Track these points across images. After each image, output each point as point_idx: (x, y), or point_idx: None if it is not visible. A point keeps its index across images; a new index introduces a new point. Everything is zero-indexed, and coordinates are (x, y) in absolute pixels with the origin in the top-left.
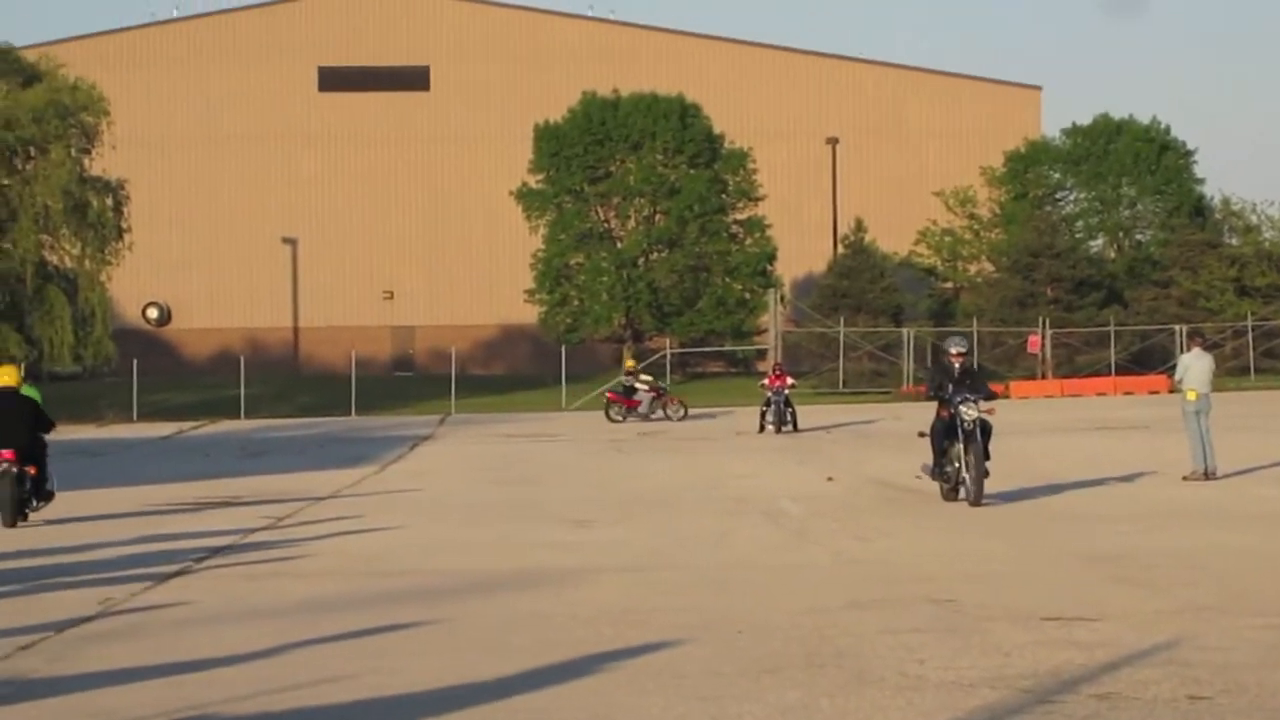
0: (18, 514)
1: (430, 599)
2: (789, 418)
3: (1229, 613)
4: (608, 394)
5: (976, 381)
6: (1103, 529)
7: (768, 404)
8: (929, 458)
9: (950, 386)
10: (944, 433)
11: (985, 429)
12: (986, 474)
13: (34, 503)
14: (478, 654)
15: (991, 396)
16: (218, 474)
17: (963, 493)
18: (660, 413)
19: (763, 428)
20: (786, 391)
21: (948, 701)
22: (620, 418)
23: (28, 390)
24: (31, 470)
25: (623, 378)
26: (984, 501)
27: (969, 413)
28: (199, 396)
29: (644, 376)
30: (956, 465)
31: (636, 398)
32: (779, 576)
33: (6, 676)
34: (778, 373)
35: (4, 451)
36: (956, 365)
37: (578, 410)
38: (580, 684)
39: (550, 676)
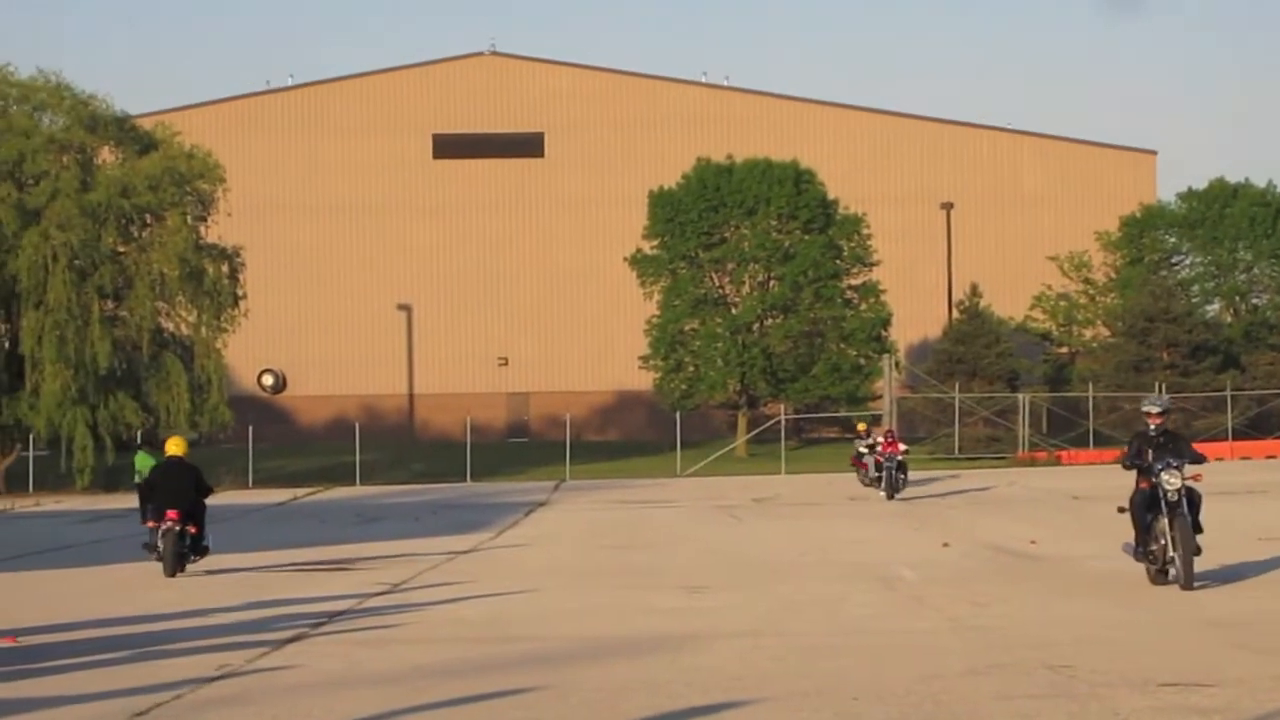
0: (178, 566)
1: (543, 665)
2: (901, 483)
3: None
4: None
5: (1179, 445)
6: (1221, 593)
7: (879, 469)
8: (1130, 534)
9: (1150, 453)
10: (1146, 506)
11: (1193, 499)
12: (1198, 551)
13: (192, 557)
14: (592, 719)
15: (1198, 460)
16: (333, 540)
17: (1172, 573)
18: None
19: (871, 483)
20: (900, 457)
21: None
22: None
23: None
24: (192, 529)
25: (859, 442)
26: (1197, 584)
27: (1172, 481)
28: (314, 463)
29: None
30: (1163, 542)
31: (866, 460)
32: (894, 642)
33: None
34: (889, 439)
35: (170, 512)
36: (1154, 428)
37: (692, 476)
38: None
39: None
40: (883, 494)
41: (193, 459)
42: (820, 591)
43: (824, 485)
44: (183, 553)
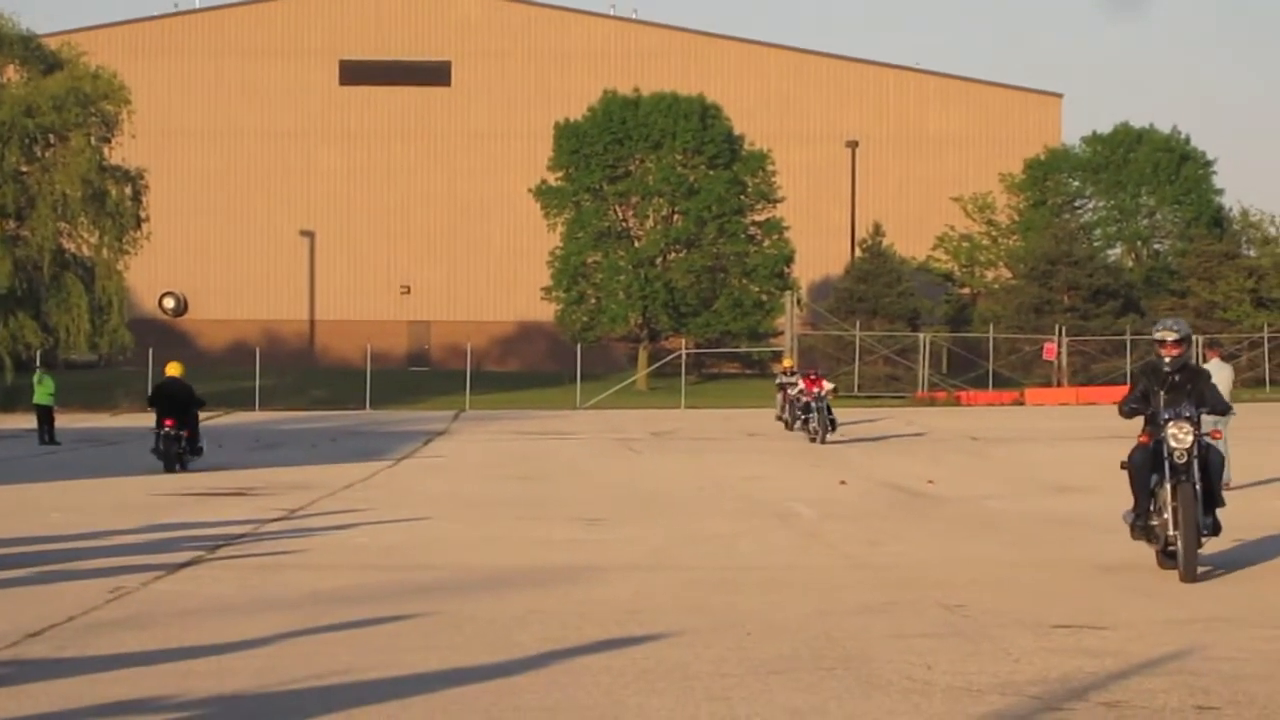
0: (175, 464)
1: (439, 594)
2: (830, 424)
3: (1239, 624)
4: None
5: (1199, 386)
6: (1115, 538)
7: (806, 409)
8: (1129, 500)
9: (1160, 396)
10: (1149, 466)
11: (1209, 464)
12: (1211, 528)
13: (189, 456)
14: (485, 650)
15: (1222, 409)
16: (231, 465)
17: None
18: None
19: (790, 426)
20: (828, 397)
21: (955, 707)
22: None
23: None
24: (185, 434)
25: (782, 377)
26: (1201, 574)
27: (1180, 437)
28: (214, 387)
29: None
30: (1166, 516)
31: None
32: (789, 578)
33: (11, 659)
34: (813, 377)
35: (168, 420)
36: (1168, 361)
37: (592, 408)
38: (588, 682)
39: (558, 674)
40: (811, 437)
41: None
42: (716, 526)
43: (723, 420)
44: (179, 453)
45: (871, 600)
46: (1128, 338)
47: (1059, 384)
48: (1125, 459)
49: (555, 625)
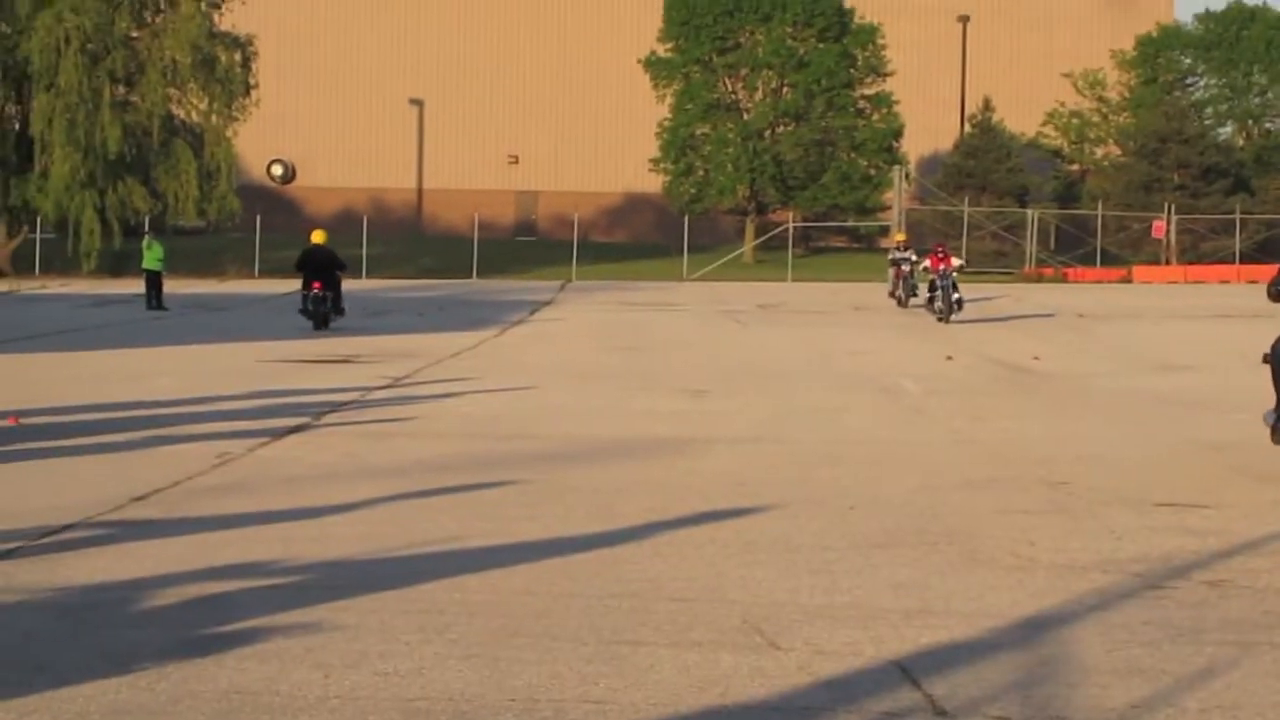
0: (322, 323)
1: (543, 463)
2: (956, 304)
3: None
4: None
5: None
6: (1221, 417)
7: (932, 288)
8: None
9: None
10: None
11: None
12: None
13: (333, 316)
14: (588, 519)
15: None
16: (338, 332)
17: None
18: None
19: (904, 304)
20: (954, 274)
21: (1057, 583)
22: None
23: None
24: (331, 295)
25: (894, 252)
26: None
27: None
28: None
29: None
30: None
31: (906, 268)
32: (893, 453)
33: (118, 520)
34: (941, 254)
35: (315, 283)
36: None
37: (698, 280)
38: (691, 553)
39: (661, 545)
40: (938, 316)
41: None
42: (821, 400)
43: (829, 294)
44: (325, 312)
45: (975, 476)
46: (1237, 217)
47: (1167, 262)
48: (1269, 350)
49: (659, 496)
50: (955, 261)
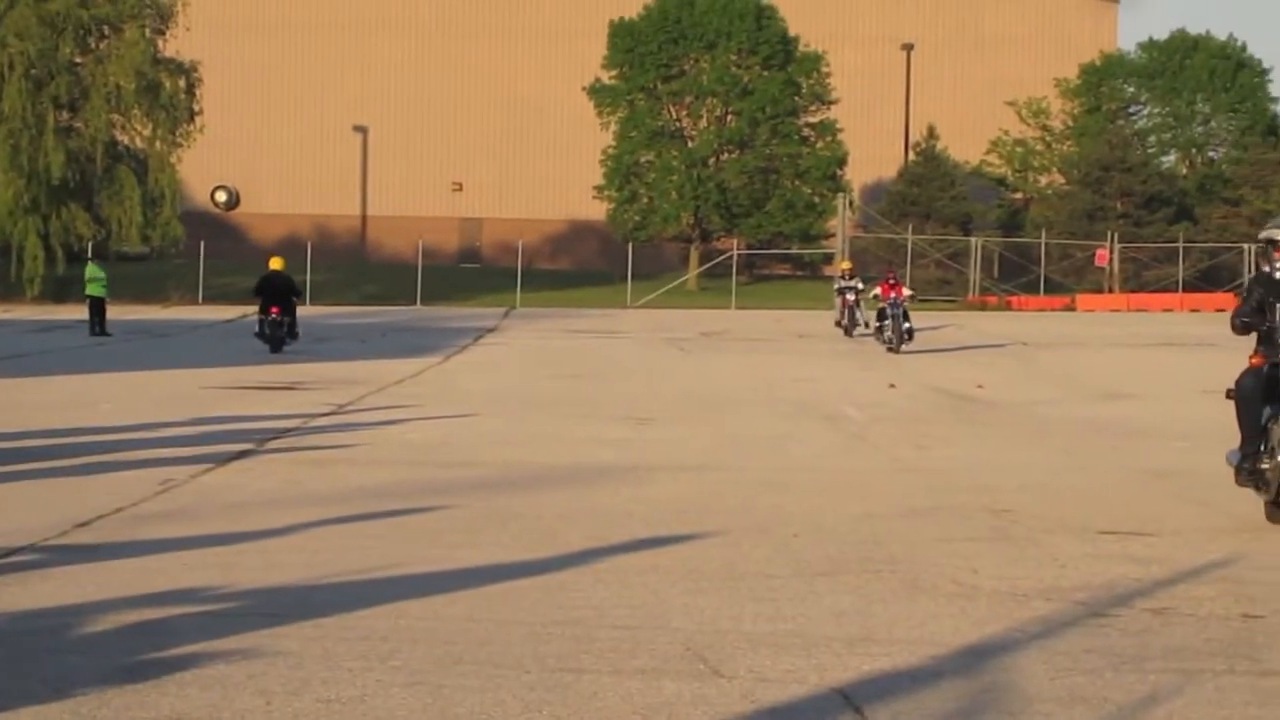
0: (278, 345)
1: (485, 490)
2: (906, 333)
3: (1270, 521)
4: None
5: None
6: (1164, 445)
7: (882, 316)
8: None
9: (1278, 311)
10: (1261, 395)
11: None
12: None
13: (288, 339)
14: (531, 547)
15: None
16: (281, 360)
17: None
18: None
19: (849, 333)
20: (905, 304)
21: (1001, 611)
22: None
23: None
24: (287, 320)
25: (840, 281)
26: None
27: None
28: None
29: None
30: (1279, 460)
31: (851, 297)
32: (837, 481)
33: (59, 546)
34: (892, 282)
35: (273, 308)
36: None
37: (642, 308)
38: (634, 580)
39: (603, 572)
40: (887, 346)
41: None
42: (765, 427)
43: (773, 322)
44: (281, 336)
45: (918, 504)
46: (1180, 245)
47: (1110, 290)
48: (1232, 386)
49: (601, 523)
50: (906, 291)
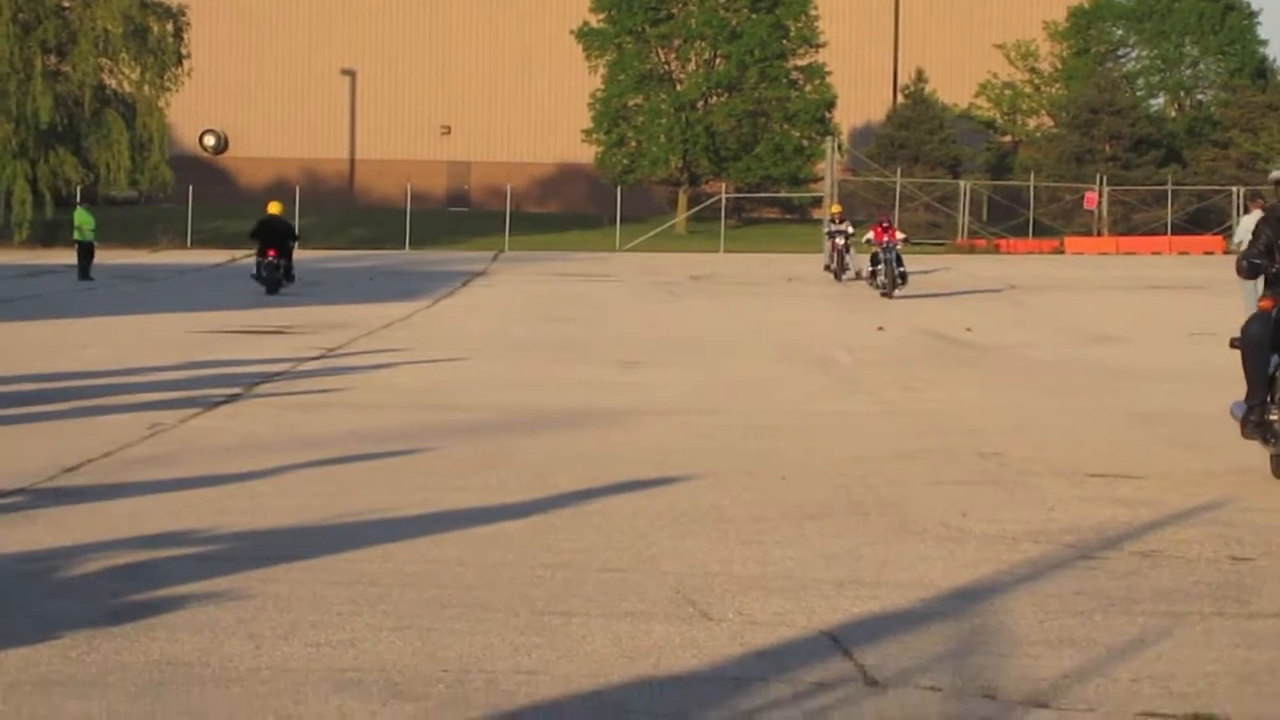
0: (274, 288)
1: (476, 434)
2: (900, 278)
3: (1273, 476)
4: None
5: None
6: (1153, 388)
7: (875, 260)
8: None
9: None
10: (1267, 342)
11: None
12: None
13: (284, 282)
14: (520, 490)
15: None
16: (270, 303)
17: None
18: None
19: (839, 278)
20: (898, 248)
21: (990, 554)
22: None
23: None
24: (283, 263)
25: (830, 225)
26: None
27: None
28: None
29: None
30: None
31: (841, 241)
32: (826, 424)
33: (49, 489)
34: (885, 226)
35: (270, 250)
36: None
37: (631, 251)
38: (623, 524)
39: (593, 515)
40: (881, 291)
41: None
42: (754, 370)
43: (762, 265)
44: (277, 279)
45: (907, 447)
46: (1169, 188)
47: (1099, 233)
48: (1237, 334)
49: (591, 467)
50: (899, 235)
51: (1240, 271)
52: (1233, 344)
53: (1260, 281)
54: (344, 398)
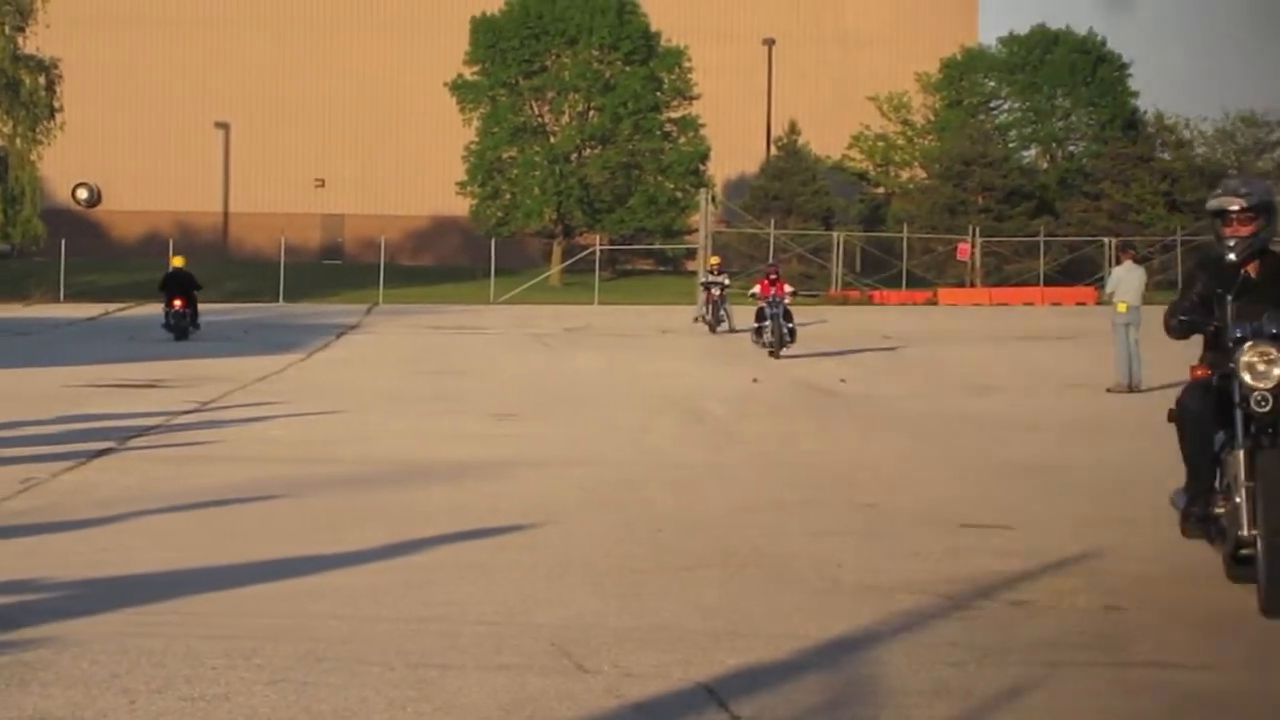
0: (182, 335)
1: (349, 486)
2: (788, 334)
3: (1147, 525)
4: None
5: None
6: (1025, 437)
7: (761, 316)
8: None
9: (1229, 304)
10: (1210, 415)
11: None
12: None
13: (191, 329)
14: (395, 542)
15: None
16: (144, 357)
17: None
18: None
19: (714, 329)
20: (786, 301)
21: (864, 605)
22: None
23: None
24: (189, 311)
25: (706, 276)
26: None
27: (1262, 370)
28: (127, 278)
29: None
30: (1238, 501)
31: (717, 292)
32: (702, 475)
33: None
34: (773, 278)
35: (176, 301)
36: (1233, 245)
37: (505, 303)
38: (498, 576)
39: (468, 568)
40: (769, 350)
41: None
42: (629, 422)
43: (636, 317)
44: (185, 326)
45: (784, 498)
46: (1041, 239)
47: (972, 284)
48: (1174, 406)
49: (467, 519)
50: (787, 288)
51: (1170, 331)
52: (1170, 417)
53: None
54: (218, 450)
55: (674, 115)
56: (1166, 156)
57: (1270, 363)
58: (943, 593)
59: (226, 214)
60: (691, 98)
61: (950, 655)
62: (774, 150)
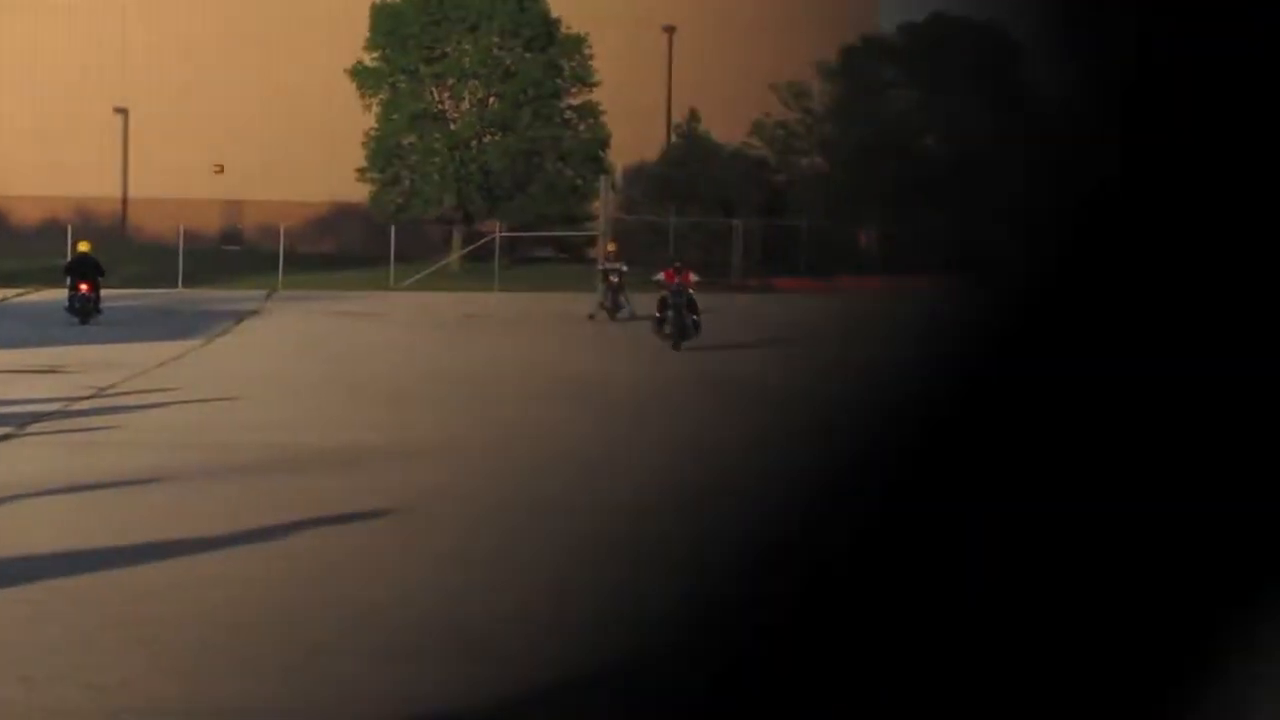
0: (86, 318)
1: (246, 473)
2: (693, 325)
3: None
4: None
5: None
6: None
7: (663, 306)
8: None
9: None
10: None
11: None
12: None
13: (95, 313)
14: (293, 528)
15: None
16: (41, 342)
17: None
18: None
19: (614, 316)
20: (690, 290)
21: None
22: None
23: None
24: (94, 295)
25: (604, 263)
26: None
27: None
28: (24, 264)
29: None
30: None
31: (615, 279)
32: (598, 457)
33: None
34: (677, 266)
35: (81, 285)
36: None
37: (405, 290)
38: (391, 561)
39: (367, 554)
40: (673, 344)
41: None
42: (534, 411)
43: (535, 304)
44: (89, 309)
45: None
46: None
47: (872, 273)
48: None
49: (364, 505)
50: (692, 276)
51: None
52: None
53: None
54: (115, 436)
55: (574, 102)
56: None
57: None
58: None
59: (125, 200)
60: (592, 84)
61: None
62: (674, 138)
